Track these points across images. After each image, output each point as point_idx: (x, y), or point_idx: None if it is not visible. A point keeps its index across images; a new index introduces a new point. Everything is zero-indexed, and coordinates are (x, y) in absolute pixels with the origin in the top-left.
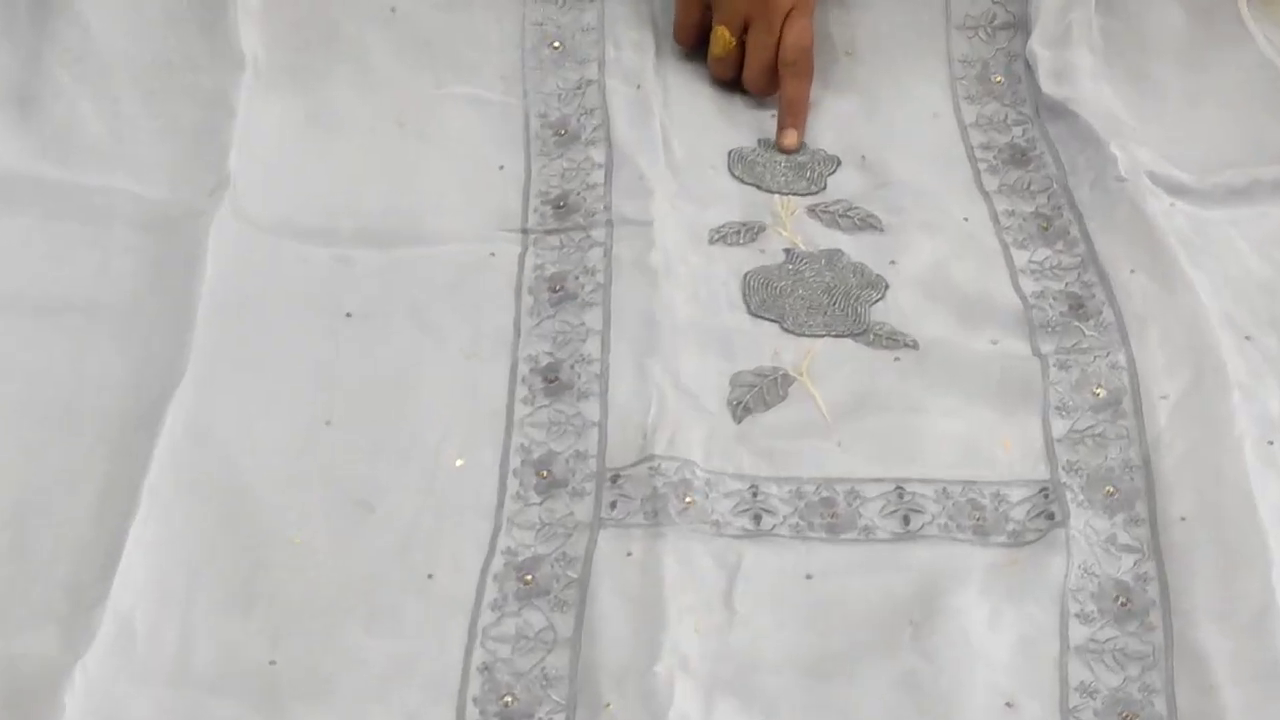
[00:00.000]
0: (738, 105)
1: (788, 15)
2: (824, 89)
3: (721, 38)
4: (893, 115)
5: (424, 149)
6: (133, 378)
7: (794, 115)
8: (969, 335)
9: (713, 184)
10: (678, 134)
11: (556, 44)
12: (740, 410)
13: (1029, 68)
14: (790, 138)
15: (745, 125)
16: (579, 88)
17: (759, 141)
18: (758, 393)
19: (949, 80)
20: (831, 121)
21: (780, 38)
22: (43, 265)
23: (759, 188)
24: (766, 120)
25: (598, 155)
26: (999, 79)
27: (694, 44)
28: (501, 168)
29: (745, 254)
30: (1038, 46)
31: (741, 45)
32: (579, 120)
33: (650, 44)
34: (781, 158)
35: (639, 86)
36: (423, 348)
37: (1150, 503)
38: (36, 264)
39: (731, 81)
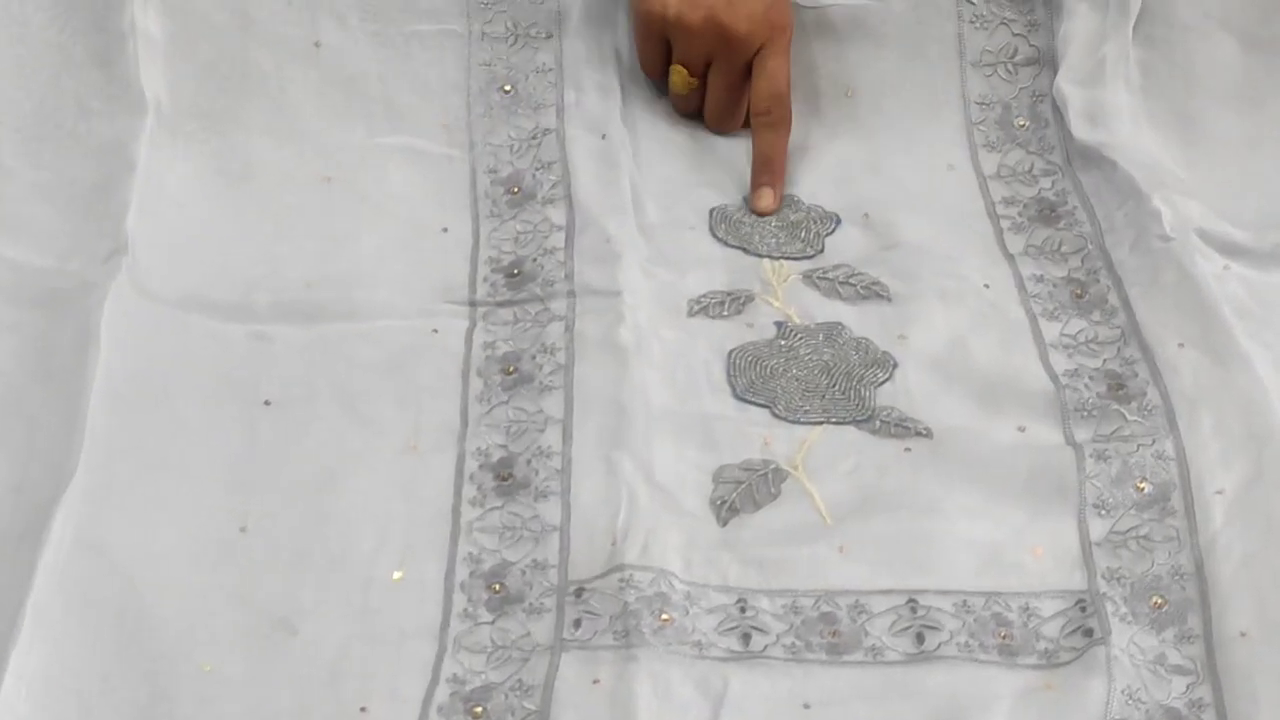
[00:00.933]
0: (720, 155)
1: (758, 54)
2: (819, 135)
3: (680, 76)
4: (900, 166)
5: (355, 208)
6: (13, 480)
7: (769, 173)
8: (991, 422)
9: (692, 247)
10: (650, 190)
11: (508, 87)
12: (725, 511)
13: (1057, 110)
14: (765, 199)
15: (729, 179)
16: (534, 138)
17: (745, 199)
18: (746, 490)
19: (965, 125)
20: (829, 173)
21: (752, 81)
22: None
23: (746, 251)
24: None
25: (557, 216)
26: (1023, 123)
27: (662, 75)
28: (445, 230)
29: (730, 328)
30: (1067, 85)
31: (705, 82)
32: (535, 175)
33: (615, 86)
34: (772, 217)
35: (604, 136)
36: (354, 441)
37: (1205, 616)
38: None
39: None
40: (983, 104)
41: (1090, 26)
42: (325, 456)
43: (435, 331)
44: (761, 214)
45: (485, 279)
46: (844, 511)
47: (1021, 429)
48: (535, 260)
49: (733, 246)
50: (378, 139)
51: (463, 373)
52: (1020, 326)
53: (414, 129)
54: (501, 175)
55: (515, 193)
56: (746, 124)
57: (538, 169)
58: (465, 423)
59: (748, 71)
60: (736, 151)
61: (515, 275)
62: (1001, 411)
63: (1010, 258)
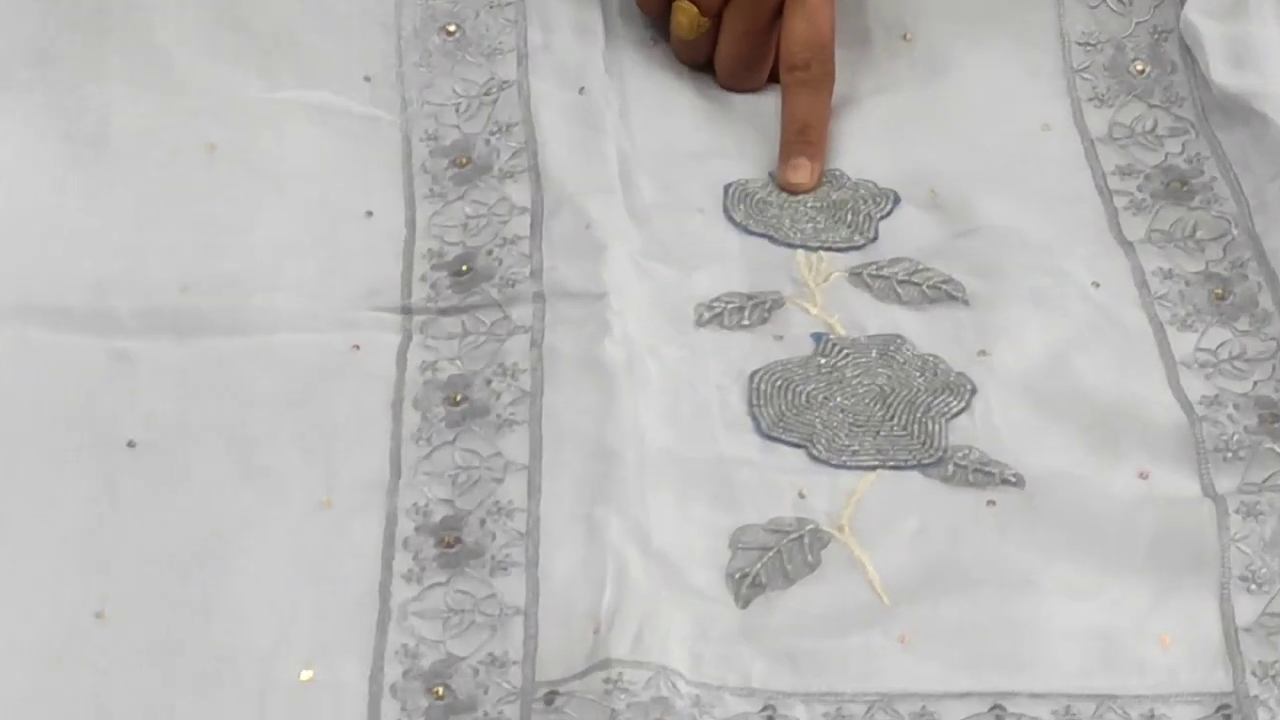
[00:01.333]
0: (737, 116)
1: None
2: (870, 88)
3: (688, 15)
4: (978, 127)
5: (247, 186)
6: None
7: (806, 142)
8: (1103, 466)
9: (702, 236)
10: (646, 161)
11: (452, 28)
12: (747, 588)
13: (1187, 50)
14: (801, 172)
15: (750, 146)
16: (488, 93)
17: (772, 173)
18: (774, 560)
19: (1064, 72)
20: (883, 137)
21: (785, 26)
22: None
23: (773, 240)
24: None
25: (519, 195)
26: (1141, 68)
27: (663, 13)
28: (369, 215)
29: (752, 343)
30: (1199, 17)
31: (718, 25)
32: (489, 142)
33: (597, 26)
34: (808, 197)
35: (582, 90)
36: (245, 496)
37: None
38: None
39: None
40: (1088, 44)
41: None
42: (207, 517)
43: (356, 349)
44: (795, 192)
45: (423, 278)
46: (906, 588)
47: (1143, 476)
48: (491, 253)
49: (755, 234)
50: (278, 94)
51: (393, 404)
52: (1141, 338)
53: (327, 81)
54: (444, 143)
55: (463, 165)
56: (773, 79)
57: (493, 134)
58: (396, 471)
59: (777, 11)
60: (760, 110)
61: (464, 273)
62: (1117, 452)
63: (1128, 247)
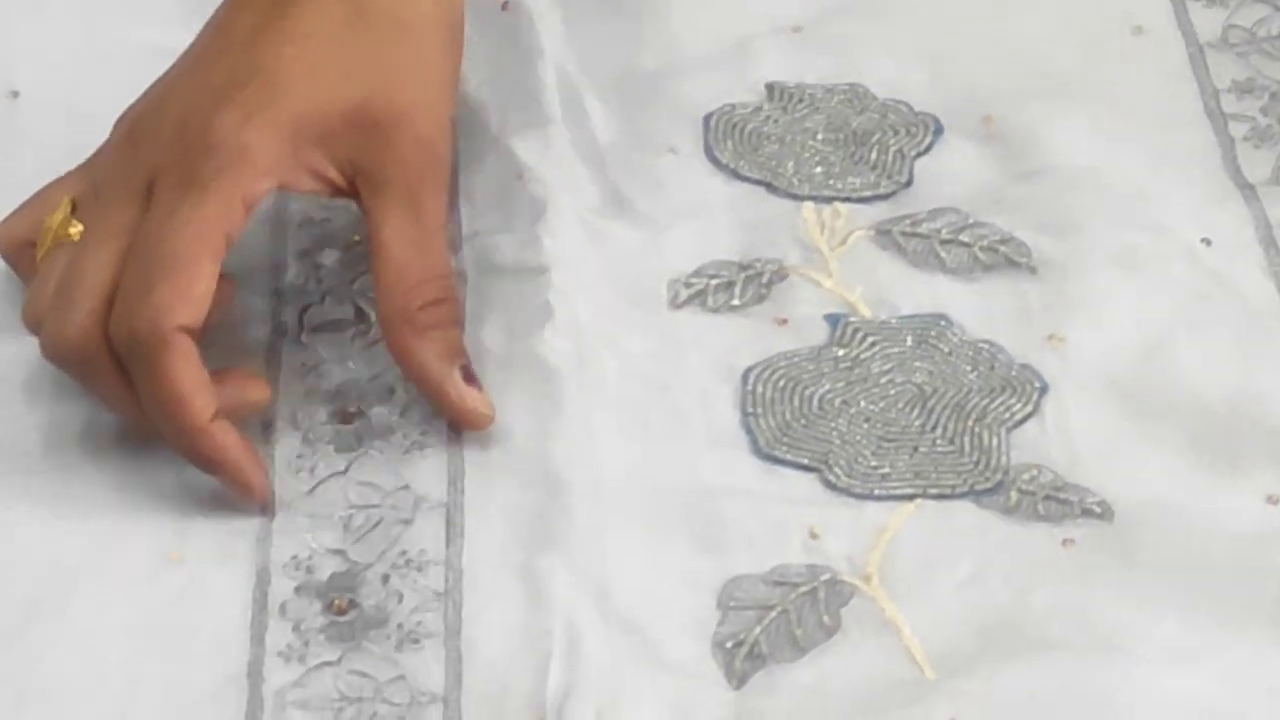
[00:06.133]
0: (721, 14)
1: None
2: None
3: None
4: (1045, 31)
5: (64, 136)
6: None
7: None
8: (1218, 489)
9: (676, 183)
10: (597, 84)
11: None
12: (743, 660)
13: None
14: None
15: (738, 55)
16: None
17: (769, 88)
18: (779, 622)
19: None
20: (919, 45)
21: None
22: None
23: (771, 188)
24: (782, 42)
25: None
26: None
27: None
28: None
29: (746, 329)
30: None
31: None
32: None
33: None
34: (818, 127)
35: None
36: (66, 545)
37: None
38: None
39: None
40: None
41: None
42: (16, 576)
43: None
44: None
45: (298, 253)
46: (955, 656)
47: (1273, 500)
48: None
49: (748, 180)
50: (98, 39)
51: (262, 420)
52: (1268, 315)
53: (160, 12)
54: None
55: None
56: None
57: None
58: (269, 510)
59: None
60: (751, 9)
61: (351, 245)
62: (1237, 470)
63: (1248, 190)
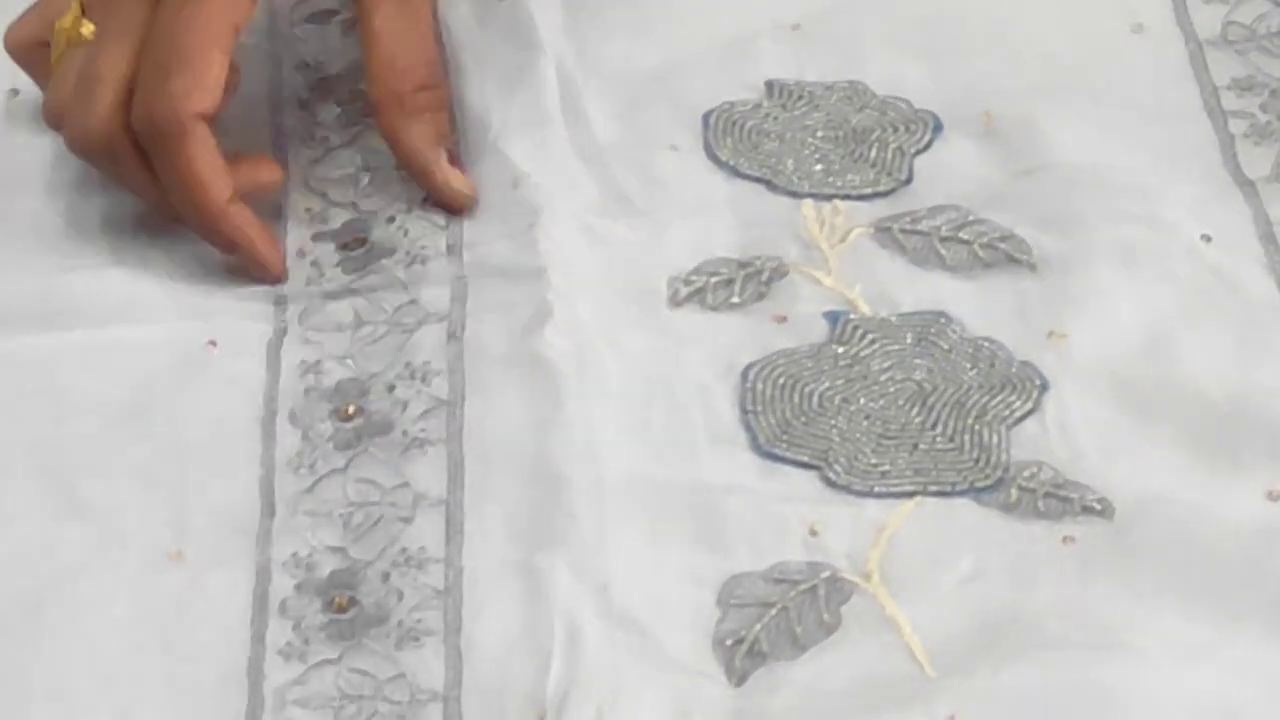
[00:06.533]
0: (723, 10)
1: None
2: None
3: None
4: (1046, 27)
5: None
6: None
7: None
8: (1219, 485)
9: (675, 181)
10: (597, 82)
11: None
12: (744, 658)
13: None
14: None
15: (738, 55)
16: None
17: (769, 85)
18: (779, 620)
19: None
20: (919, 39)
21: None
22: None
23: (771, 185)
24: (781, 39)
25: None
26: None
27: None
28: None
29: (746, 326)
30: None
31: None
32: None
33: None
34: (818, 124)
35: None
36: (66, 543)
37: None
38: None
39: None
40: None
41: None
42: (18, 571)
43: (211, 345)
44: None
45: (303, 252)
46: (956, 653)
47: (1273, 496)
48: (392, 219)
49: (748, 178)
50: None
51: (262, 419)
52: (1269, 311)
53: None
54: (325, 73)
55: (350, 100)
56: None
57: None
58: (269, 510)
59: None
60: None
61: (356, 244)
62: (1238, 466)
63: (1248, 187)
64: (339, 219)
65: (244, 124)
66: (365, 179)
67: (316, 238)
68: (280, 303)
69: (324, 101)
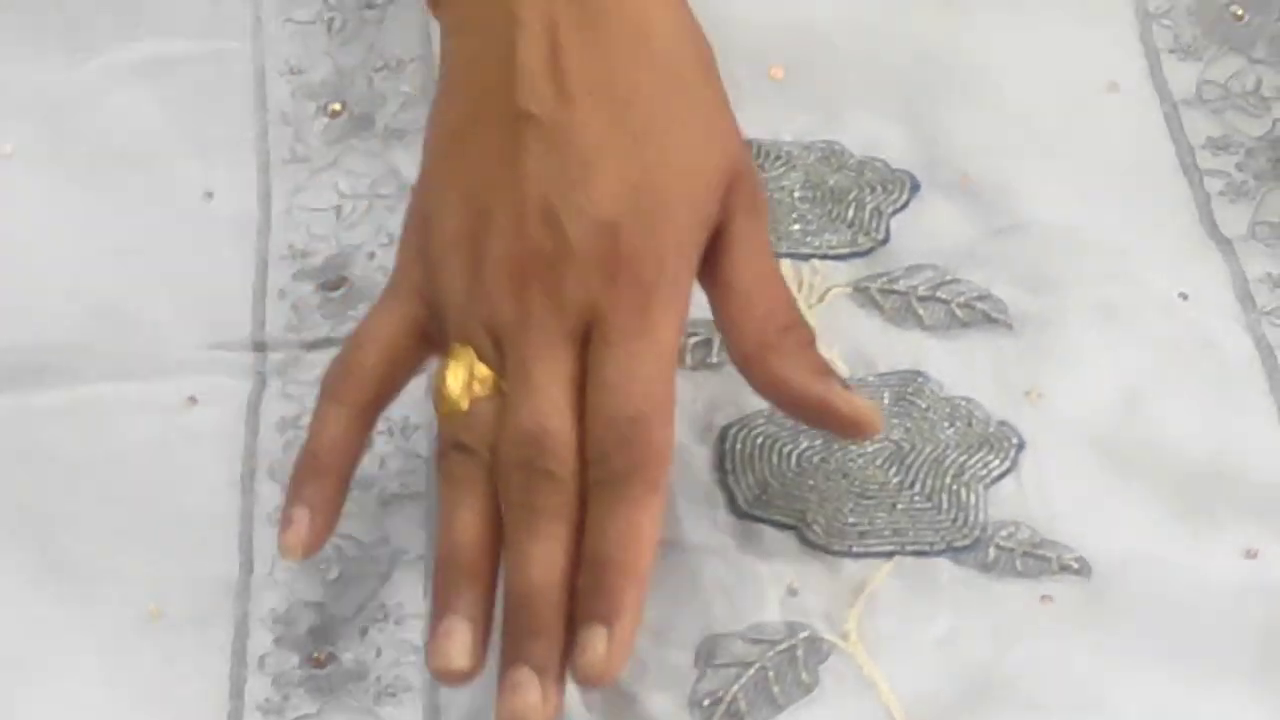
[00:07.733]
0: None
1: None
2: (883, 34)
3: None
4: (1023, 86)
5: (43, 188)
6: None
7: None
8: (1196, 543)
9: None
10: None
11: None
12: (722, 717)
13: None
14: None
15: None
16: (371, 6)
17: (750, 143)
18: (757, 679)
19: (1136, 16)
20: (897, 101)
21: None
22: None
23: None
24: (761, 99)
25: (411, 165)
26: (1240, 12)
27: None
28: (209, 196)
29: (721, 385)
30: None
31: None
32: (372, 83)
33: None
34: (794, 183)
35: None
36: (46, 604)
37: None
38: None
39: None
40: None
41: None
42: None
43: (191, 402)
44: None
45: (282, 293)
46: (935, 712)
47: (1251, 555)
48: (373, 256)
49: None
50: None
51: (242, 476)
52: (1246, 369)
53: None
54: (313, 79)
55: (337, 114)
56: None
57: (377, 70)
58: (248, 566)
59: None
60: (740, 40)
61: (337, 285)
62: (1215, 524)
63: (1224, 245)
64: (320, 254)
65: (228, 144)
66: (348, 207)
67: (297, 276)
68: (260, 348)
69: (307, 115)
